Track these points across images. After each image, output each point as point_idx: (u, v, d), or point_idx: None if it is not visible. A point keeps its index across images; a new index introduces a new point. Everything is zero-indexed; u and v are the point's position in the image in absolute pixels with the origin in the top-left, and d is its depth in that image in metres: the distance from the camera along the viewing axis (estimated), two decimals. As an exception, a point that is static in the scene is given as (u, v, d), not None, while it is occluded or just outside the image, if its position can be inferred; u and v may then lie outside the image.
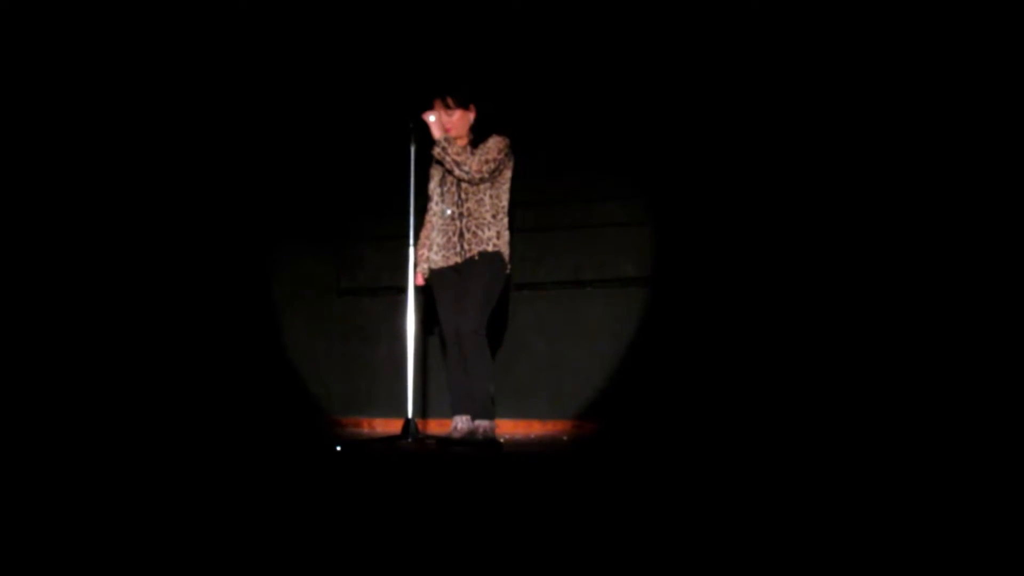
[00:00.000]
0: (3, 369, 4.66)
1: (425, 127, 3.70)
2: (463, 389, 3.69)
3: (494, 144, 3.64)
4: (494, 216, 3.65)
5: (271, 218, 5.34)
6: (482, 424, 3.61)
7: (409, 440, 3.52)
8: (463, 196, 3.65)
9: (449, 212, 3.68)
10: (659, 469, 2.83)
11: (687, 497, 2.17)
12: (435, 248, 3.73)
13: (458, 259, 3.65)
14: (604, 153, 4.62)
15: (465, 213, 3.64)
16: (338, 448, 3.43)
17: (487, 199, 3.65)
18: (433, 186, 3.81)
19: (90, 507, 1.98)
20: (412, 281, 3.75)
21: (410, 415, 3.58)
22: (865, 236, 4.11)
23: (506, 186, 3.71)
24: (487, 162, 3.61)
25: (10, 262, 4.83)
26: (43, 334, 4.85)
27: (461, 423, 3.69)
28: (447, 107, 3.68)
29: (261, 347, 5.27)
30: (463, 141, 3.72)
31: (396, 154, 3.95)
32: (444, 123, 3.69)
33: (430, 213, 3.82)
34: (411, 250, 3.72)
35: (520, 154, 3.75)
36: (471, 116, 3.71)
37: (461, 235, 3.64)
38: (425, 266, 3.80)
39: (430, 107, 3.70)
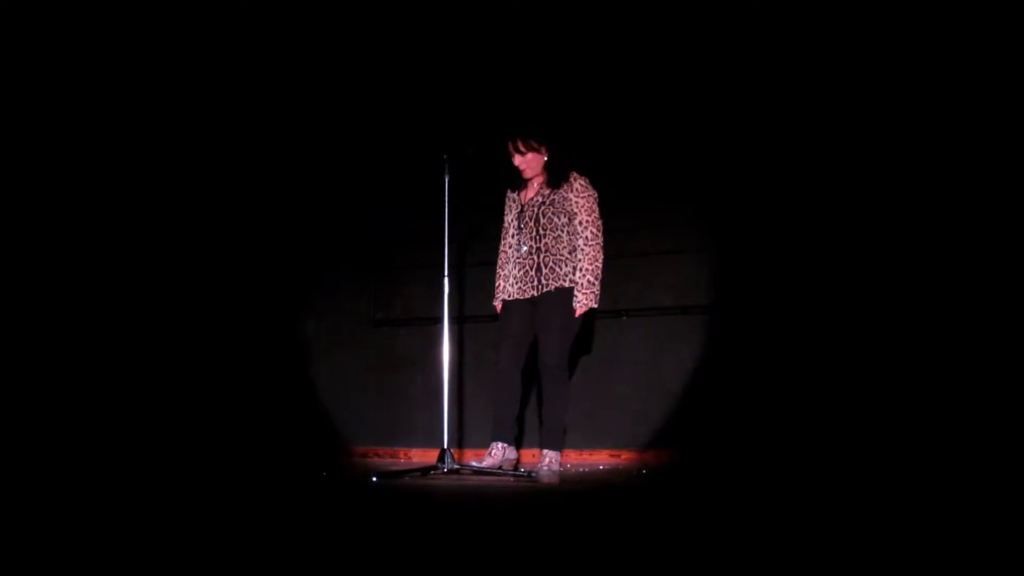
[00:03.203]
0: (47, 387, 4.75)
1: (459, 158, 3.77)
2: (508, 417, 3.71)
3: (585, 201, 3.69)
4: (571, 252, 3.68)
5: (307, 250, 5.41)
6: (550, 454, 3.66)
7: (444, 470, 3.51)
8: (541, 232, 3.69)
9: (525, 248, 3.71)
10: (703, 504, 2.79)
11: (729, 535, 2.14)
12: (512, 280, 3.77)
13: (534, 292, 3.68)
14: (641, 184, 4.61)
15: (543, 248, 3.68)
16: (374, 478, 3.44)
17: (564, 236, 3.69)
18: (510, 219, 3.86)
19: (115, 536, 2.00)
20: (447, 311, 3.77)
21: (445, 445, 3.58)
22: (903, 253, 4.05)
23: None
24: (595, 226, 3.69)
25: (65, 288, 4.95)
26: (75, 355, 4.94)
27: (496, 450, 3.70)
28: (518, 151, 3.73)
29: (298, 378, 5.31)
30: (540, 179, 3.76)
31: (431, 185, 3.99)
32: (518, 164, 3.75)
33: (505, 244, 3.88)
34: (445, 281, 3.75)
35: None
36: (543, 157, 3.75)
37: (539, 269, 3.67)
38: (503, 297, 3.83)
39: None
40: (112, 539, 1.95)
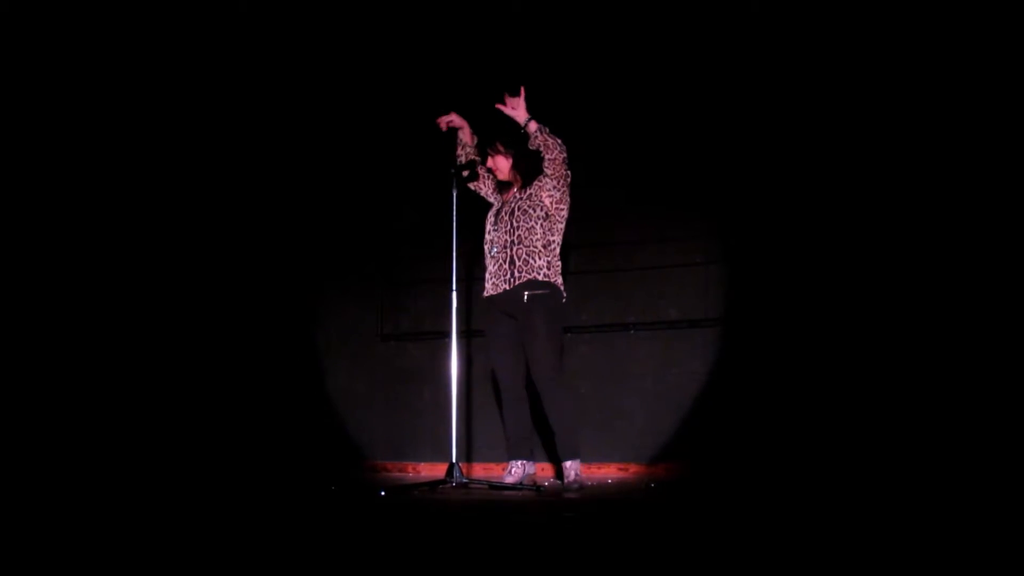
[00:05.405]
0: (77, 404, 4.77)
1: (464, 172, 3.81)
2: (522, 435, 3.72)
3: (553, 172, 3.68)
4: (544, 246, 3.69)
5: (315, 264, 5.43)
6: (572, 465, 3.66)
7: (453, 484, 3.51)
8: (515, 224, 3.69)
9: (496, 249, 3.73)
10: (712, 518, 2.78)
11: (739, 550, 2.13)
12: (486, 276, 3.79)
13: (506, 286, 3.68)
14: (648, 196, 4.61)
15: (516, 240, 3.68)
16: (382, 493, 3.43)
17: (539, 228, 3.68)
18: (489, 215, 3.88)
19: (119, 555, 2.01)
20: (455, 325, 3.76)
21: (454, 459, 3.58)
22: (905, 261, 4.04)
23: (560, 225, 3.75)
24: (564, 168, 3.66)
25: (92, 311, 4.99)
26: (85, 368, 4.97)
27: (516, 468, 3.71)
28: (495, 152, 3.82)
29: (305, 392, 5.31)
30: (518, 184, 3.79)
31: (439, 199, 4.00)
32: (490, 165, 3.83)
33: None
34: (453, 295, 3.75)
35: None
36: (509, 160, 3.79)
37: (512, 262, 3.67)
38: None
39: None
40: (121, 549, 1.95)
